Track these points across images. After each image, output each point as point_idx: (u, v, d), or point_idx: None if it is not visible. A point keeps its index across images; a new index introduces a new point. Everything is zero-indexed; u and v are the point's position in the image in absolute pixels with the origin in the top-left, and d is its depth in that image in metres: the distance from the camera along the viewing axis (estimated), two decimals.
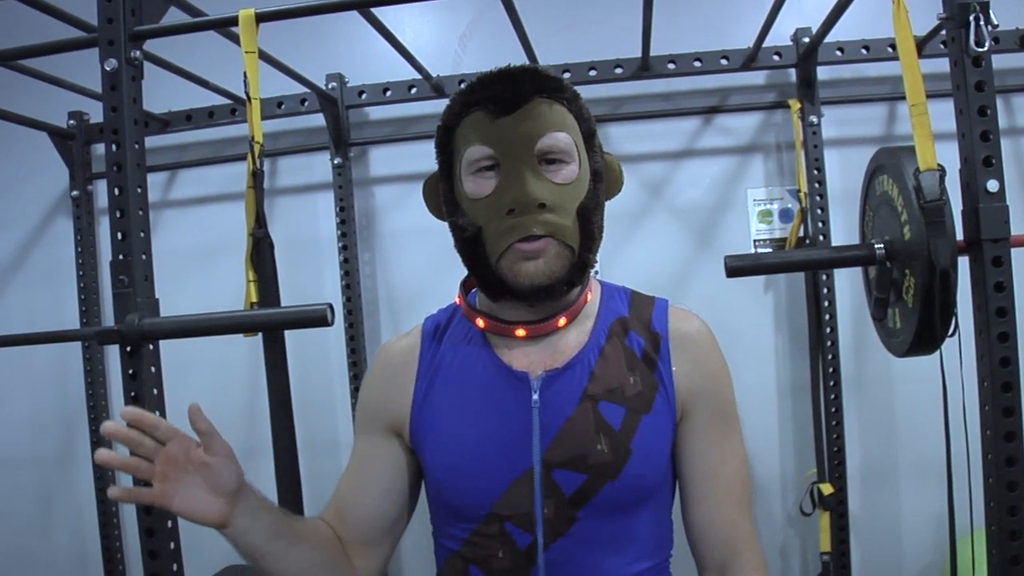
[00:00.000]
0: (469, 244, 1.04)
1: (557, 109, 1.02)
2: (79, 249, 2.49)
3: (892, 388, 2.31)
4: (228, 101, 2.30)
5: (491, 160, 1.01)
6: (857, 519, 2.28)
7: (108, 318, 2.51)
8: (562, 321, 1.07)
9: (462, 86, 2.23)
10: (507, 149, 0.99)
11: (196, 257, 2.49)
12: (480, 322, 1.10)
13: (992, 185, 1.30)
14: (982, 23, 1.26)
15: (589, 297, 1.11)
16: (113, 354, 2.50)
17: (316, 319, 1.22)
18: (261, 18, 1.37)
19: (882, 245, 1.47)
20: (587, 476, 1.01)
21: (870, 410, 2.32)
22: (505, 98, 1.00)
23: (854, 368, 2.30)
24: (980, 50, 1.28)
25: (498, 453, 1.03)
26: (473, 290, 1.15)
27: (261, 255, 1.40)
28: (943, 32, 1.71)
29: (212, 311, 1.33)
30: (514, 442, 1.03)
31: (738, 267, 1.50)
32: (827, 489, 2.18)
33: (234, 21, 1.37)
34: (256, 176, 1.39)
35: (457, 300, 1.17)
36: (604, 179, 1.08)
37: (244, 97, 2.23)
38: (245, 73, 1.34)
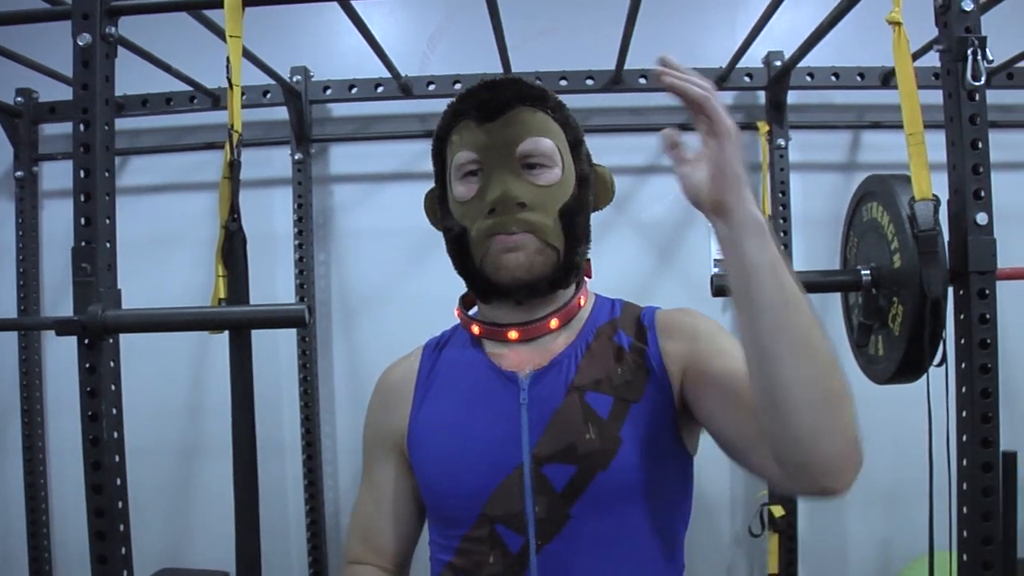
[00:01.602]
0: (456, 244, 1.08)
1: (540, 116, 1.06)
2: (20, 233, 2.41)
3: None
4: (187, 88, 2.25)
5: (476, 164, 1.05)
6: (805, 541, 2.30)
7: (48, 307, 2.44)
8: (554, 323, 1.10)
9: (431, 88, 2.27)
10: (489, 153, 1.04)
11: (144, 248, 2.42)
12: (475, 328, 1.13)
13: (981, 218, 1.33)
14: (979, 57, 1.29)
15: (583, 302, 1.14)
16: (52, 344, 2.42)
17: (292, 319, 1.22)
18: (248, 1, 1.34)
19: (868, 272, 1.49)
20: (577, 467, 1.00)
21: None
22: (489, 106, 1.05)
23: None
24: (976, 84, 1.30)
25: (487, 452, 1.04)
26: (474, 308, 1.19)
27: (233, 249, 1.37)
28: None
29: (179, 306, 1.33)
30: (502, 440, 1.03)
31: (725, 286, 1.49)
32: (778, 511, 2.21)
33: (219, 3, 1.33)
34: (233, 166, 1.37)
35: (456, 313, 1.20)
36: (592, 186, 1.12)
37: (204, 85, 2.23)
38: (228, 58, 1.32)
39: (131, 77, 2.23)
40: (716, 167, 0.84)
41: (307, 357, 2.34)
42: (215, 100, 2.30)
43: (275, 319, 1.24)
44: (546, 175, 1.05)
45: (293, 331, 2.31)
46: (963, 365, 1.35)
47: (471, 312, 1.18)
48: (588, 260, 1.17)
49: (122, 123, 2.40)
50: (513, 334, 1.10)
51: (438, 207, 1.15)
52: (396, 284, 2.43)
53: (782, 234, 2.25)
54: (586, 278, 1.19)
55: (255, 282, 2.36)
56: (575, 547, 1.00)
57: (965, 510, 1.35)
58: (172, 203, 2.47)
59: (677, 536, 1.09)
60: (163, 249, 2.43)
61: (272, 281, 2.41)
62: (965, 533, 1.35)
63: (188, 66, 2.15)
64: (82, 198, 1.28)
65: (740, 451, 0.96)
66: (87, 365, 1.27)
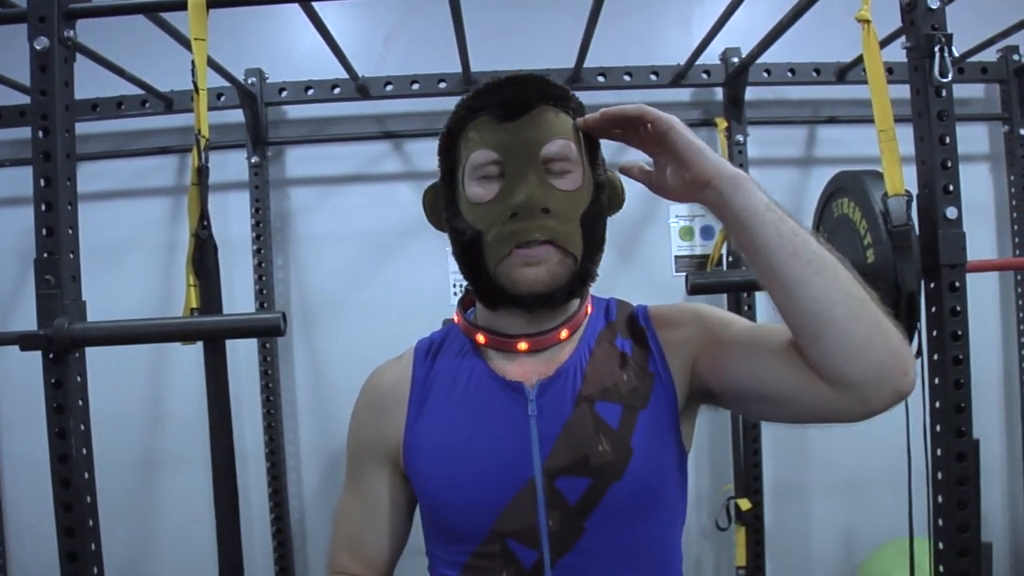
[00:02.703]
0: (467, 249, 1.03)
1: (563, 118, 1.02)
2: None
3: None
4: (139, 91, 2.22)
5: (495, 165, 1.00)
6: (771, 534, 2.34)
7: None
8: (564, 333, 1.07)
9: (388, 88, 2.26)
10: (512, 154, 0.99)
11: (97, 256, 2.37)
12: (480, 337, 1.08)
13: (951, 212, 1.35)
14: (946, 54, 1.32)
15: (589, 310, 1.12)
16: (5, 359, 2.37)
17: (268, 328, 1.18)
18: (213, 3, 1.30)
19: None
20: (591, 479, 0.98)
21: (783, 426, 2.39)
22: (511, 103, 1.00)
23: None
24: (944, 80, 1.33)
25: (497, 467, 1.00)
26: (471, 308, 1.14)
27: (204, 258, 1.34)
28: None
29: (139, 316, 1.28)
30: (513, 454, 1.00)
31: (702, 284, 1.53)
32: (745, 504, 2.24)
33: (180, 5, 1.30)
34: (201, 172, 1.33)
35: (456, 318, 1.15)
36: (607, 192, 1.08)
37: (157, 88, 2.20)
38: (193, 62, 1.29)
39: (79, 80, 2.21)
40: (681, 152, 0.92)
41: (269, 364, 2.33)
42: (168, 104, 2.28)
43: (250, 328, 1.22)
44: (569, 180, 1.01)
45: (252, 339, 2.29)
46: (936, 357, 1.37)
47: (468, 315, 1.14)
48: None
49: None
50: (523, 345, 1.06)
51: (443, 206, 1.08)
52: (356, 288, 2.43)
53: None
54: None
55: None
56: (589, 559, 0.98)
57: (940, 499, 1.37)
58: (125, 209, 2.44)
59: (679, 535, 1.09)
60: (118, 257, 2.40)
61: (230, 287, 2.38)
62: (940, 522, 1.37)
63: (140, 69, 2.12)
64: (43, 207, 1.25)
65: (789, 397, 0.96)
66: (53, 380, 1.23)
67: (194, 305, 1.35)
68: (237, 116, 2.31)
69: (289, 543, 2.37)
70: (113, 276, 2.37)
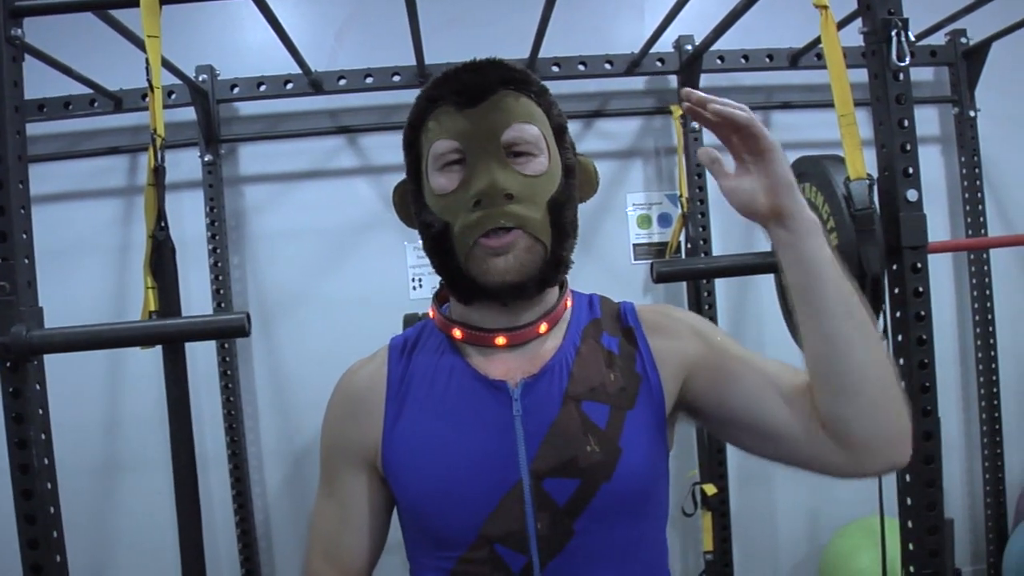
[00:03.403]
0: (436, 242, 1.01)
1: (524, 101, 1.00)
2: None
3: None
4: (87, 91, 2.19)
5: (457, 153, 0.98)
6: (737, 518, 2.38)
7: None
8: (543, 327, 1.04)
9: (342, 83, 2.26)
10: (472, 141, 0.97)
11: (47, 260, 2.33)
12: (457, 332, 1.06)
13: (912, 195, 1.37)
14: (903, 39, 1.33)
15: (568, 303, 1.09)
16: None
17: (232, 329, 1.16)
18: None
19: None
20: (580, 480, 0.96)
21: None
22: (470, 90, 0.98)
23: None
24: (901, 64, 1.35)
25: (482, 470, 0.98)
26: (446, 304, 1.11)
27: (162, 260, 1.32)
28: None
29: (94, 320, 1.26)
30: (498, 456, 0.98)
31: (668, 272, 1.53)
32: (710, 490, 2.28)
33: (134, 2, 1.28)
34: (158, 172, 1.31)
35: (431, 313, 1.12)
36: (577, 176, 1.06)
37: (105, 87, 2.18)
38: (147, 60, 1.27)
39: (25, 80, 2.18)
40: (771, 178, 0.89)
41: (228, 364, 2.32)
42: (117, 103, 2.25)
43: (213, 330, 1.20)
44: (533, 164, 0.99)
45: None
46: (899, 338, 1.40)
47: (443, 310, 1.10)
48: None
49: None
50: (500, 340, 1.03)
51: (411, 202, 1.06)
52: (314, 285, 2.43)
53: (699, 216, 2.32)
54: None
55: None
56: (579, 561, 0.97)
57: (908, 478, 1.39)
58: (75, 211, 2.41)
59: (664, 532, 1.08)
60: (68, 260, 2.37)
61: (186, 288, 2.35)
62: (909, 500, 1.39)
63: (88, 67, 2.10)
64: None
65: (787, 440, 0.98)
66: (11, 389, 1.20)
67: (152, 308, 1.33)
68: (189, 114, 2.29)
69: (255, 544, 2.36)
70: (66, 280, 2.34)
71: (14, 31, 1.25)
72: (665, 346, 1.05)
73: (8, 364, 1.20)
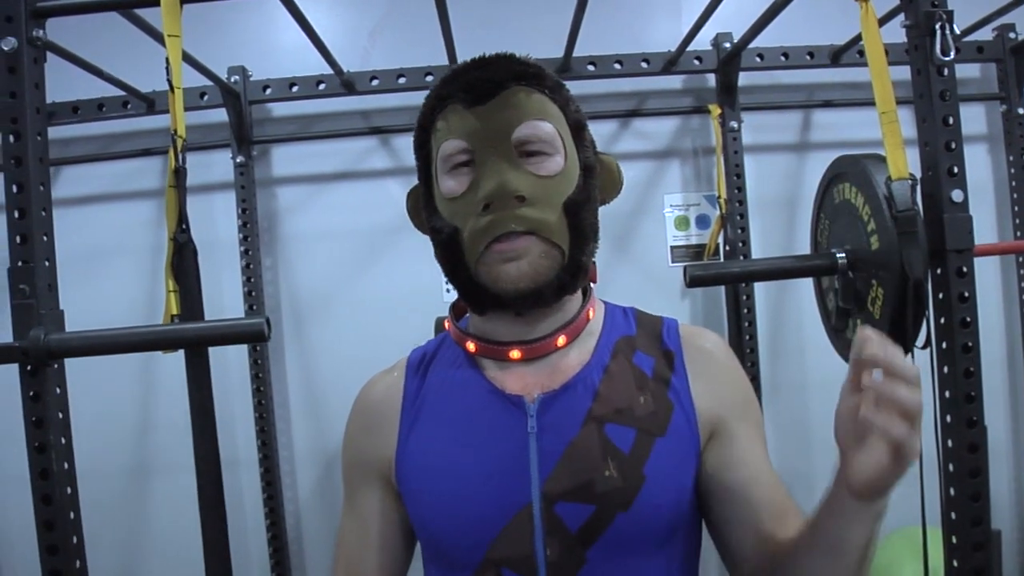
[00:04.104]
0: (446, 248, 0.96)
1: (537, 97, 0.95)
2: None
3: (807, 394, 2.40)
4: (121, 93, 2.21)
5: (466, 154, 0.94)
6: None
7: None
8: (561, 340, 0.98)
9: (374, 83, 2.26)
10: (482, 140, 0.92)
11: (81, 262, 2.38)
12: (471, 345, 1.01)
13: (957, 195, 1.32)
14: (947, 32, 1.28)
15: (592, 314, 1.03)
16: None
17: (251, 334, 1.14)
18: None
19: (844, 255, 1.48)
20: (595, 507, 0.90)
21: (786, 416, 2.40)
22: (479, 86, 0.93)
23: (770, 374, 2.39)
24: (946, 59, 1.30)
25: (491, 488, 0.93)
26: (465, 316, 1.07)
27: (184, 262, 1.31)
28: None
29: (125, 324, 1.26)
30: (509, 474, 0.93)
31: (701, 276, 1.48)
32: None
33: (155, 1, 1.27)
34: (179, 174, 1.29)
35: (446, 325, 1.08)
36: (597, 176, 1.01)
37: (138, 89, 2.20)
38: (167, 59, 1.26)
39: (59, 83, 2.20)
40: (902, 457, 0.74)
41: (260, 367, 2.32)
42: (150, 104, 2.27)
43: (233, 335, 1.18)
44: (547, 164, 0.94)
45: None
46: (944, 345, 1.34)
47: (461, 323, 1.06)
48: (593, 263, 1.03)
49: (53, 132, 2.34)
50: (515, 353, 0.98)
51: (423, 207, 1.02)
52: (346, 287, 2.43)
53: (738, 217, 2.29)
54: (591, 283, 1.07)
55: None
56: None
57: (952, 491, 1.34)
58: (109, 213, 2.43)
59: (695, 567, 1.01)
60: (102, 262, 2.39)
61: (218, 289, 2.39)
62: (953, 515, 1.34)
63: (120, 69, 2.11)
64: (16, 215, 1.22)
65: (728, 556, 0.98)
66: (31, 393, 1.20)
67: (174, 311, 1.32)
68: (221, 115, 2.30)
69: (285, 549, 2.36)
70: (99, 282, 2.36)
71: (36, 32, 1.25)
72: (705, 389, 0.98)
73: (29, 368, 1.19)
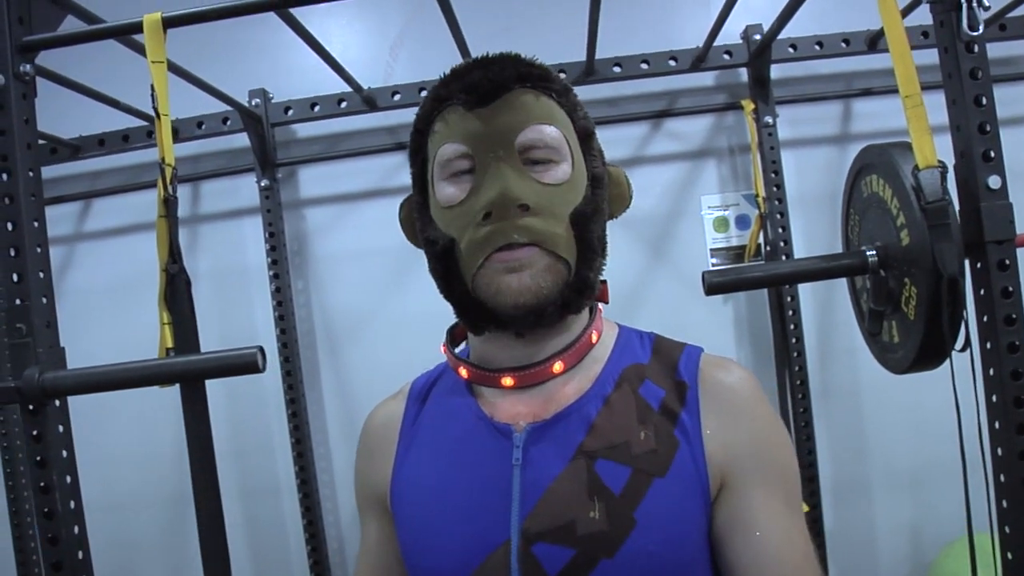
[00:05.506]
0: (441, 261, 0.91)
1: (544, 101, 0.91)
2: None
3: (859, 398, 2.33)
4: (143, 123, 2.23)
5: (465, 159, 0.89)
6: (832, 535, 2.28)
7: None
8: (558, 366, 0.93)
9: (396, 98, 2.27)
10: (483, 144, 0.88)
11: (115, 293, 2.41)
12: (463, 371, 0.97)
13: (994, 181, 1.24)
14: (975, 4, 1.20)
15: (595, 338, 0.97)
16: None
17: (244, 366, 1.12)
18: (169, 23, 1.26)
19: (874, 252, 1.41)
20: (576, 551, 0.84)
21: (839, 421, 2.33)
22: (481, 87, 0.89)
23: (819, 378, 2.33)
24: (974, 34, 1.22)
25: (470, 522, 0.88)
26: (464, 342, 1.04)
27: (176, 294, 1.30)
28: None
29: (126, 360, 1.23)
30: (489, 508, 0.88)
31: (719, 283, 1.39)
32: (803, 508, 2.19)
33: (138, 28, 1.27)
34: (168, 203, 1.28)
35: (443, 351, 1.03)
36: (606, 187, 0.96)
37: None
38: (152, 86, 1.25)
39: (88, 118, 2.25)
40: None
41: (294, 392, 2.32)
42: (174, 132, 2.30)
43: (225, 367, 1.15)
44: (553, 172, 0.89)
45: (277, 366, 2.30)
46: (988, 345, 1.26)
47: (459, 349, 1.02)
48: (604, 282, 0.99)
49: (81, 165, 2.40)
50: (507, 380, 0.93)
51: (417, 216, 0.97)
52: (380, 306, 2.42)
53: (778, 216, 2.25)
54: (601, 303, 1.01)
55: (233, 318, 2.39)
56: None
57: (1005, 504, 1.25)
58: (139, 244, 2.44)
59: None
60: (133, 294, 2.40)
61: (251, 315, 2.40)
62: (1007, 529, 1.26)
63: (140, 100, 2.14)
64: (11, 253, 1.20)
65: None
66: (33, 433, 1.19)
67: (169, 344, 1.30)
68: (245, 140, 2.31)
69: (327, 574, 2.37)
70: (130, 313, 2.37)
71: (23, 67, 1.23)
72: (720, 429, 0.90)
73: (30, 408, 1.18)
